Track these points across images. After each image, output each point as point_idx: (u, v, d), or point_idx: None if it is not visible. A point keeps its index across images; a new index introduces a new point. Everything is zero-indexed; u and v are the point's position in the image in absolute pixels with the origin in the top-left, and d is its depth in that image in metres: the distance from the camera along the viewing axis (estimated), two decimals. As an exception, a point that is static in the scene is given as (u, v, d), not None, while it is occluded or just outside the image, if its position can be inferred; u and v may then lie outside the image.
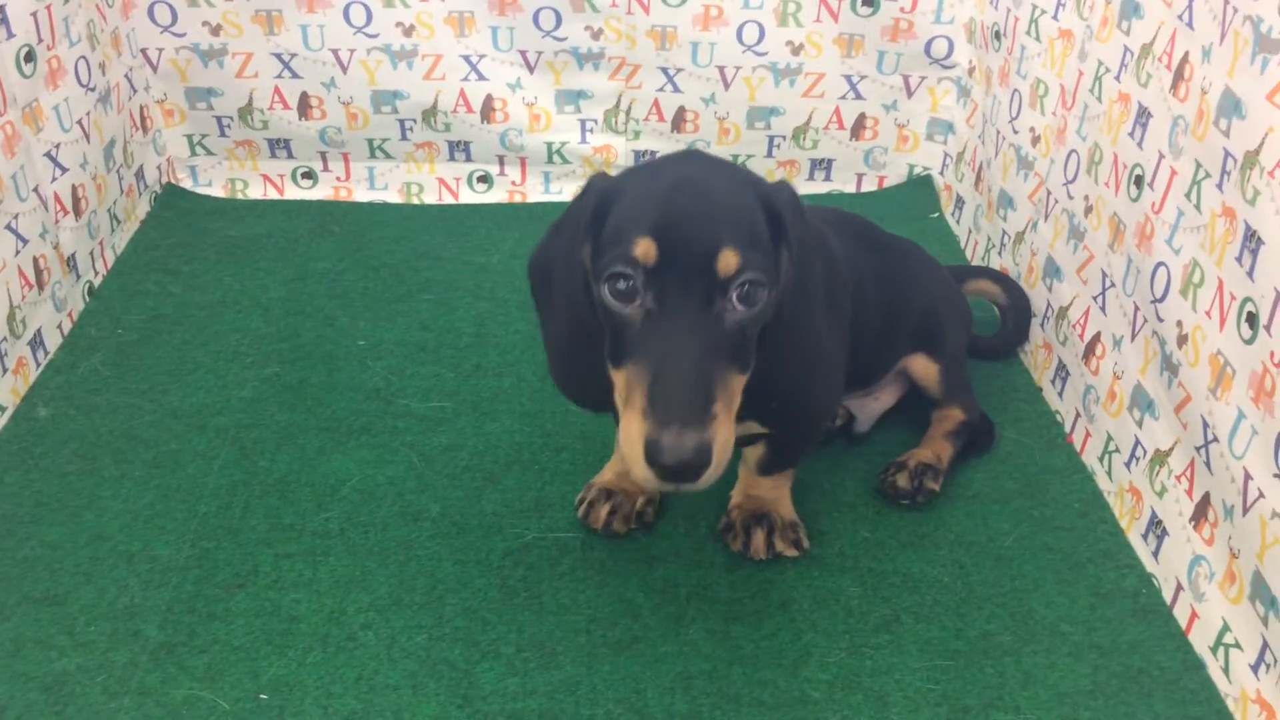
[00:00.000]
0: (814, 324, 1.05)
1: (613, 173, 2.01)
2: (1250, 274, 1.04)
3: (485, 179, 1.99)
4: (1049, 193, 1.53)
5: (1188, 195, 1.16)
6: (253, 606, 1.16)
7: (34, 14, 1.46)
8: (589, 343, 1.02)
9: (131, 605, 1.15)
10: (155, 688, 1.07)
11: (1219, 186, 1.10)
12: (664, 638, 1.14)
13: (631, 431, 0.91)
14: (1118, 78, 1.34)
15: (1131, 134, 1.30)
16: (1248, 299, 1.04)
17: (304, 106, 1.90)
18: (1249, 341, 1.04)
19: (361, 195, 1.98)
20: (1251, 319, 1.04)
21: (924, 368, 1.37)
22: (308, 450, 1.37)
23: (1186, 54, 1.18)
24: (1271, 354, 1.00)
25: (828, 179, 2.02)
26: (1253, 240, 1.03)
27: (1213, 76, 1.12)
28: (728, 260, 0.92)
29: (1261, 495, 1.02)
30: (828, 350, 1.07)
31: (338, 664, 1.10)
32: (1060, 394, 1.47)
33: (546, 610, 1.17)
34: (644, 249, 0.92)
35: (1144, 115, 1.27)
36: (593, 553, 1.24)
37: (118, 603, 1.15)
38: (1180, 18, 1.21)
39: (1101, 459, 1.35)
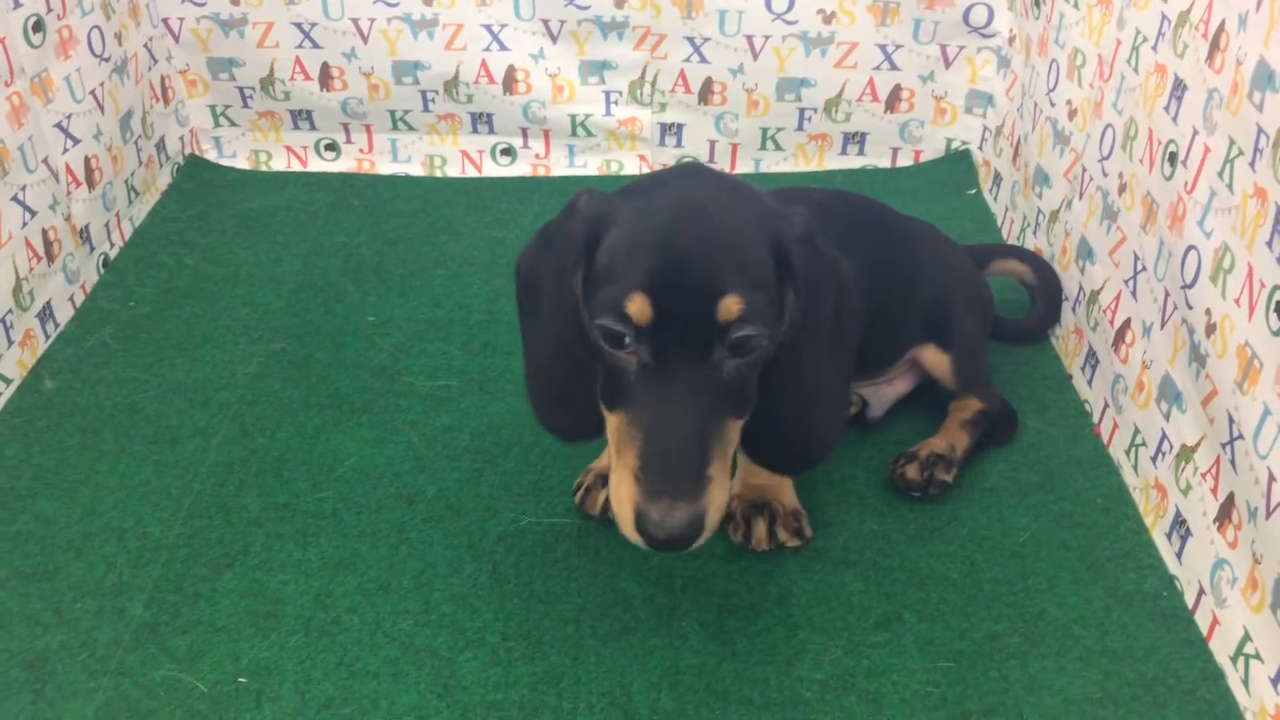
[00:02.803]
0: (818, 362, 0.98)
1: (635, 150, 1.94)
2: (1282, 260, 0.97)
3: (509, 152, 1.95)
4: (1084, 169, 1.45)
5: (1220, 174, 1.09)
6: (239, 587, 1.14)
7: (42, -17, 1.45)
8: (575, 371, 0.98)
9: (119, 583, 1.15)
10: (135, 668, 1.06)
11: (1251, 165, 1.03)
12: (654, 630, 1.11)
13: (622, 493, 0.89)
14: (1155, 47, 1.26)
15: (1167, 108, 1.22)
16: (1277, 287, 0.97)
17: (325, 77, 1.87)
18: (1277, 333, 0.97)
19: (385, 168, 1.96)
20: (1281, 309, 0.97)
21: (935, 359, 1.31)
22: (307, 428, 1.36)
23: (1223, 22, 1.10)
24: (1300, 347, 0.94)
25: (861, 153, 1.95)
26: (1285, 224, 0.96)
27: (1248, 46, 1.04)
28: (728, 308, 0.86)
29: (1286, 498, 0.95)
30: (831, 389, 1.01)
31: (319, 649, 1.08)
32: (1090, 382, 1.40)
33: (536, 598, 1.14)
34: (638, 307, 0.86)
35: (1179, 88, 1.19)
36: (588, 540, 1.21)
37: (106, 580, 1.15)
38: (1220, -17, 1.12)
39: (1128, 452, 1.28)
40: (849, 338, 1.02)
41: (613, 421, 0.94)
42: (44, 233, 1.46)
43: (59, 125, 1.50)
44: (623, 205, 0.93)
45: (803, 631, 1.11)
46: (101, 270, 1.63)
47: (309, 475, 1.29)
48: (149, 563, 1.17)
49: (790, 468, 1.11)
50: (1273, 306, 0.98)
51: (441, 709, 1.02)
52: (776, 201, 0.98)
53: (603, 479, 1.23)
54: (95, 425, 1.35)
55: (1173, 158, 1.20)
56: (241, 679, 1.05)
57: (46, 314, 1.47)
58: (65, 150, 1.52)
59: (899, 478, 1.25)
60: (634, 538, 0.89)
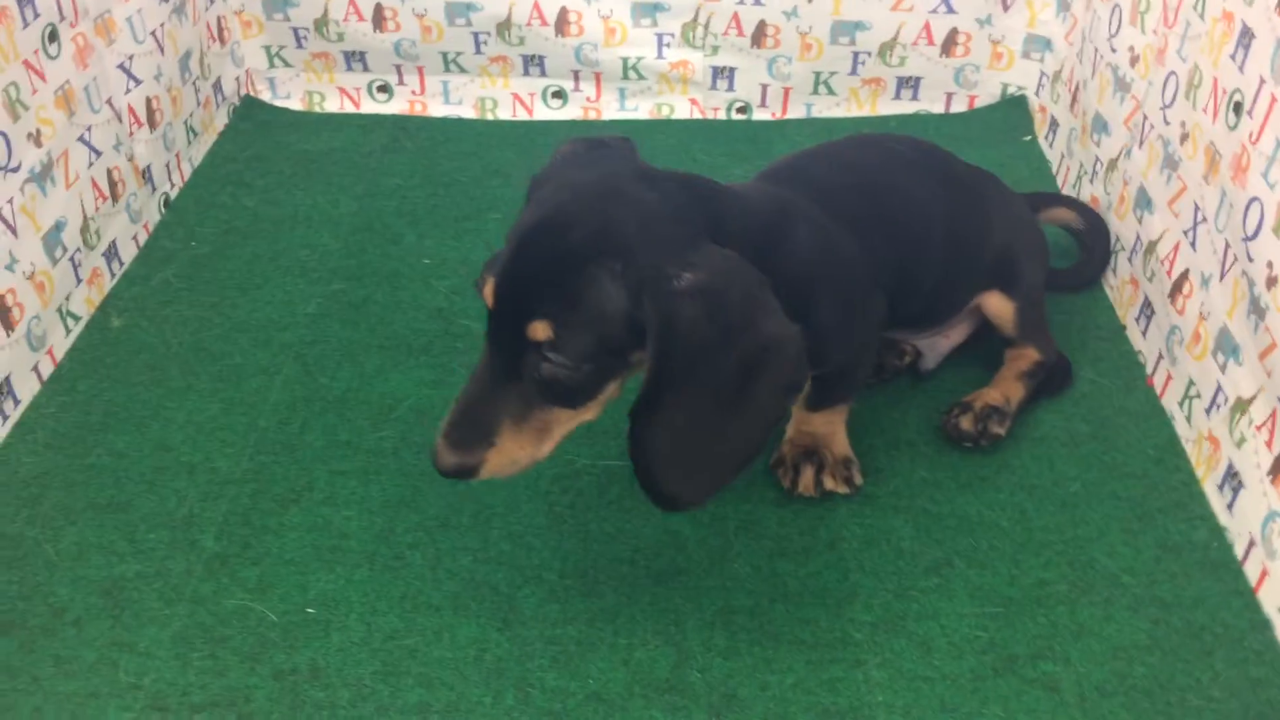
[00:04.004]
0: (694, 414, 0.92)
1: (687, 94, 1.92)
2: (1349, 214, 0.96)
3: (560, 95, 1.95)
4: (1145, 117, 1.43)
5: (1288, 126, 1.07)
6: (305, 521, 1.18)
7: (105, -75, 1.46)
8: None
9: (190, 515, 1.19)
10: (208, 597, 1.10)
11: (1323, 117, 1.02)
12: (707, 571, 1.13)
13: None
14: (1224, -6, 1.24)
15: (1233, 56, 1.20)
16: (1345, 242, 0.97)
17: (378, 18, 1.88)
18: (1343, 288, 0.97)
19: (436, 110, 1.97)
20: (1347, 263, 0.96)
21: (999, 306, 1.31)
22: (367, 368, 1.39)
23: (1298, -31, 1.08)
24: (1365, 303, 0.93)
25: (915, 98, 1.93)
26: (1354, 178, 0.95)
27: (1324, -5, 1.02)
28: (534, 330, 0.90)
29: (1343, 453, 0.95)
30: (708, 443, 0.94)
31: (384, 582, 1.12)
32: (1144, 333, 1.40)
33: (591, 538, 1.17)
34: (488, 291, 0.94)
35: (1247, 36, 1.17)
36: (642, 481, 1.23)
37: (177, 512, 1.19)
38: (1295, -72, 1.10)
39: (1181, 404, 1.28)
40: (766, 404, 0.95)
41: None
42: (109, 173, 1.49)
43: (121, 66, 1.52)
44: (548, 178, 1.00)
45: (854, 575, 1.13)
46: (163, 210, 1.66)
47: (370, 414, 1.32)
48: (218, 497, 1.21)
49: (650, 497, 0.98)
50: (1338, 261, 0.97)
51: (502, 641, 1.06)
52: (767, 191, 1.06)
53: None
54: (162, 362, 1.39)
55: (1238, 107, 1.18)
56: (310, 609, 1.09)
57: (112, 253, 1.50)
58: (128, 91, 1.54)
59: (952, 428, 1.26)
60: None
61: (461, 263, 1.58)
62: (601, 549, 1.16)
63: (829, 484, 1.20)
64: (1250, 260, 1.13)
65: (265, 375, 1.37)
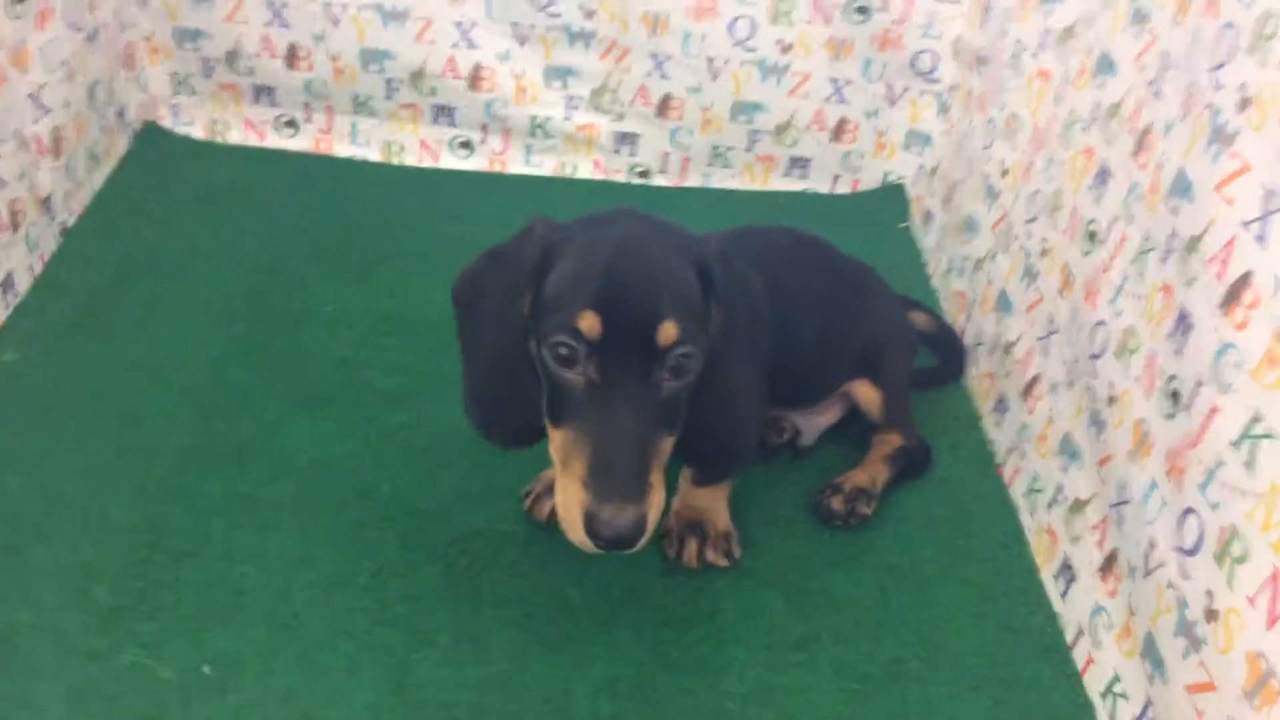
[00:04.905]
0: (738, 368, 1.09)
1: (591, 155, 1.98)
2: (1179, 353, 1.09)
3: (467, 145, 2.00)
4: (1010, 227, 1.57)
5: (1133, 262, 1.21)
6: (201, 576, 1.20)
7: (24, -44, 1.45)
8: (513, 382, 1.07)
9: (84, 566, 1.19)
10: (102, 651, 1.11)
11: (1163, 261, 1.15)
12: (595, 639, 1.20)
13: (570, 499, 0.97)
14: (1086, 129, 1.38)
15: (1091, 188, 1.34)
16: (1173, 376, 1.10)
17: (291, 57, 1.90)
18: (1169, 417, 1.10)
19: (343, 149, 1.99)
20: (1175, 396, 1.09)
21: (867, 393, 1.42)
22: (267, 417, 1.41)
23: (1151, 124, 1.22)
24: (1186, 434, 1.06)
25: (804, 177, 2.04)
26: (1185, 322, 1.09)
27: (1170, 153, 1.16)
28: (667, 332, 0.96)
29: (1162, 564, 1.08)
30: (748, 391, 1.12)
31: (280, 642, 1.15)
32: (998, 425, 1.53)
33: (485, 602, 1.22)
34: (588, 323, 0.96)
35: (1105, 174, 1.31)
36: (534, 547, 1.29)
37: (71, 562, 1.19)
38: (1150, 85, 1.24)
39: (1027, 496, 1.41)
40: (762, 344, 1.13)
41: (558, 437, 1.02)
42: (10, 203, 1.47)
43: (32, 96, 1.51)
44: (572, 237, 1.03)
45: (730, 646, 1.21)
46: (61, 239, 1.64)
47: (269, 466, 1.34)
48: (112, 547, 1.22)
49: (720, 471, 1.25)
50: (1169, 393, 1.10)
51: (396, 706, 1.10)
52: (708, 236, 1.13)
53: (552, 487, 1.31)
54: (54, 403, 1.39)
55: (1093, 236, 1.32)
56: (206, 668, 1.11)
57: (8, 284, 1.49)
58: (36, 121, 1.53)
59: (824, 508, 1.36)
60: (581, 540, 0.98)
61: (365, 310, 1.61)
62: (494, 613, 1.21)
63: (711, 556, 1.28)
64: (1095, 376, 1.26)
65: (163, 420, 1.38)
